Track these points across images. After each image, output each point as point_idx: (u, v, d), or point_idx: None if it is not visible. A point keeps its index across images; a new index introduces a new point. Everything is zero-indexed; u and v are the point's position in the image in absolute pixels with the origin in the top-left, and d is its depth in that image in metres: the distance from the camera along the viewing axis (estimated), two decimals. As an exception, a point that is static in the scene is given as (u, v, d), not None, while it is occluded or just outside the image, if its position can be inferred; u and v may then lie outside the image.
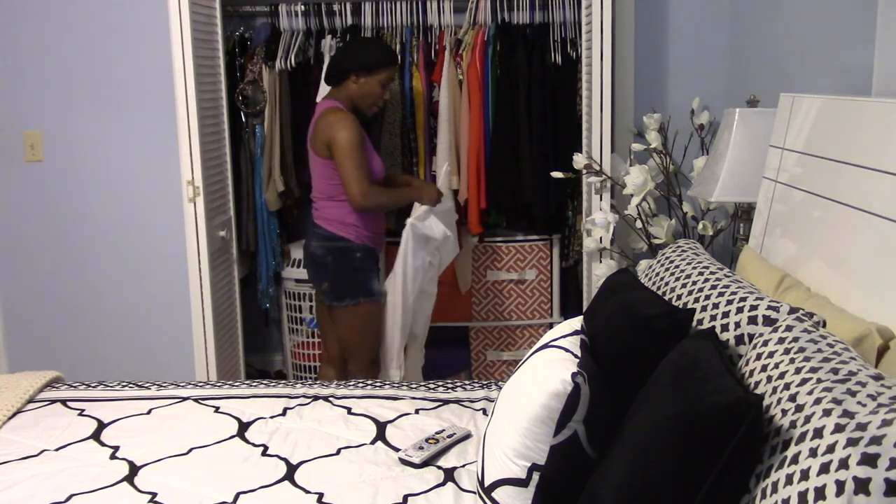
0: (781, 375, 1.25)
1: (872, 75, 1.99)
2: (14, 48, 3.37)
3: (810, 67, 2.45)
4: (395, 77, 3.06)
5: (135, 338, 3.57)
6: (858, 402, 1.08)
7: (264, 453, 1.90)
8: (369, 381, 2.37)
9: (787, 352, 1.30)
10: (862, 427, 1.01)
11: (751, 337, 1.52)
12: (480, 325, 3.67)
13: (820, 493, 0.99)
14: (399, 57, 3.29)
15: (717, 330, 1.58)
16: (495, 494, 1.51)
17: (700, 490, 1.14)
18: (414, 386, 2.32)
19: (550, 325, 3.62)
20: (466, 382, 2.35)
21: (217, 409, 2.15)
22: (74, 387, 2.33)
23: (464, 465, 1.82)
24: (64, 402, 2.22)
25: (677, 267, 1.90)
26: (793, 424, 1.13)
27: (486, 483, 1.54)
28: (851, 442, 1.00)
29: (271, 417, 2.10)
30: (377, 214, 2.99)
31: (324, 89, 3.39)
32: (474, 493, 1.68)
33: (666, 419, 1.21)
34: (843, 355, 1.25)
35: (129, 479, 1.79)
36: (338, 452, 1.90)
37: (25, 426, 2.05)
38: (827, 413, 1.09)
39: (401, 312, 2.99)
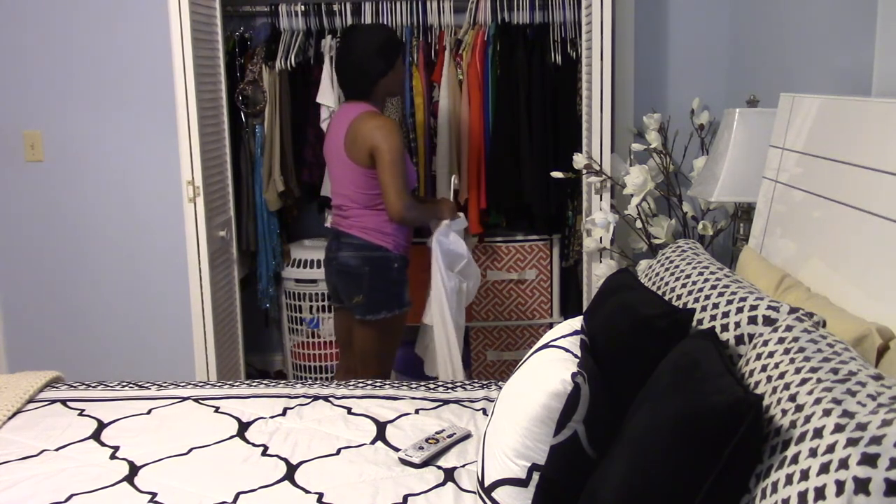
0: (781, 375, 1.25)
1: (872, 75, 1.99)
2: (14, 48, 3.37)
3: (810, 67, 2.45)
4: None
5: (135, 338, 3.57)
6: (858, 402, 1.08)
7: (264, 453, 1.90)
8: (369, 382, 2.37)
9: (787, 352, 1.30)
10: (862, 427, 1.01)
11: (751, 337, 1.52)
12: (480, 325, 3.67)
13: (820, 493, 0.99)
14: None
15: (717, 330, 1.58)
16: (495, 494, 1.51)
17: (700, 490, 1.14)
18: (414, 386, 2.33)
19: (550, 325, 3.62)
20: (466, 382, 2.35)
21: (217, 409, 2.15)
22: (74, 387, 2.33)
23: (464, 465, 1.82)
24: (64, 402, 2.22)
25: (677, 267, 1.90)
26: (793, 424, 1.13)
27: (486, 483, 1.54)
28: (851, 442, 1.00)
29: (271, 417, 2.10)
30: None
31: (324, 89, 3.40)
32: (474, 493, 1.68)
33: (666, 419, 1.21)
34: (843, 355, 1.24)
35: (129, 479, 1.79)
36: (338, 452, 1.90)
37: (25, 426, 2.05)
38: (827, 413, 1.09)
39: (455, 339, 2.86)
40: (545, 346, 1.64)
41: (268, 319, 3.96)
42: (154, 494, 1.72)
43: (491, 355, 3.70)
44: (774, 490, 1.08)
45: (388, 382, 2.37)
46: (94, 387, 2.33)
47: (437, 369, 2.97)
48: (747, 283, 1.71)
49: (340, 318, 3.04)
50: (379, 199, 2.75)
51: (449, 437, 1.92)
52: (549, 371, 1.48)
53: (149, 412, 2.14)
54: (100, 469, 1.83)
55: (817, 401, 1.12)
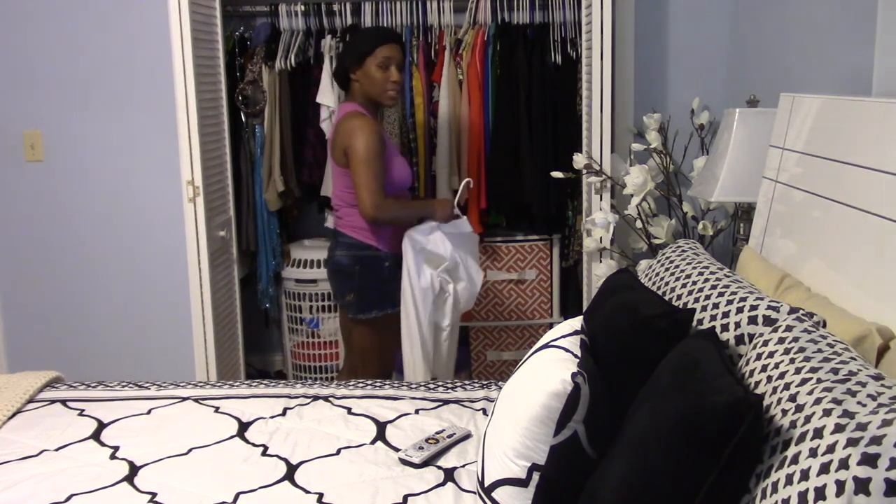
0: (781, 375, 1.25)
1: (872, 75, 1.99)
2: (14, 48, 3.37)
3: (810, 67, 2.45)
4: (396, 54, 2.76)
5: (135, 338, 3.56)
6: (858, 402, 1.08)
7: (264, 453, 1.90)
8: (369, 381, 2.37)
9: (787, 352, 1.30)
10: (862, 427, 1.01)
11: (751, 337, 1.52)
12: (480, 325, 3.67)
13: (820, 493, 0.99)
14: (398, 35, 2.87)
15: (717, 330, 1.58)
16: (495, 494, 1.51)
17: (700, 490, 1.14)
18: (414, 386, 2.33)
19: (550, 325, 3.62)
20: (466, 382, 2.35)
21: (217, 409, 2.15)
22: (74, 387, 2.33)
23: (464, 465, 1.82)
24: (64, 402, 2.22)
25: (677, 267, 1.90)
26: (793, 424, 1.13)
27: (486, 483, 1.54)
28: (851, 442, 1.00)
29: (271, 417, 2.09)
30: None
31: (324, 89, 3.40)
32: (474, 493, 1.68)
33: (666, 419, 1.21)
34: (843, 355, 1.25)
35: (129, 479, 1.79)
36: (338, 452, 1.90)
37: (25, 426, 2.05)
38: (827, 413, 1.09)
39: (417, 338, 2.78)
40: (545, 346, 1.64)
41: (268, 319, 3.96)
42: (154, 494, 1.72)
43: (491, 355, 3.70)
44: (774, 490, 1.08)
45: (388, 382, 2.37)
46: (94, 387, 2.33)
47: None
48: (747, 283, 1.71)
49: (343, 317, 3.04)
50: None
51: (449, 437, 1.92)
52: (549, 371, 1.48)
53: (149, 412, 2.14)
54: (100, 469, 1.83)
55: (817, 401, 1.12)
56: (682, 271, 1.86)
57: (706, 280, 1.75)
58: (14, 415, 2.12)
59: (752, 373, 1.35)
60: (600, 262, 3.02)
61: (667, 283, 1.88)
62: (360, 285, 2.80)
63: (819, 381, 1.17)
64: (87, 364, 3.52)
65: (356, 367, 3.02)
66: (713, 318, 1.61)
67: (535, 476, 1.46)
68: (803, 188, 1.93)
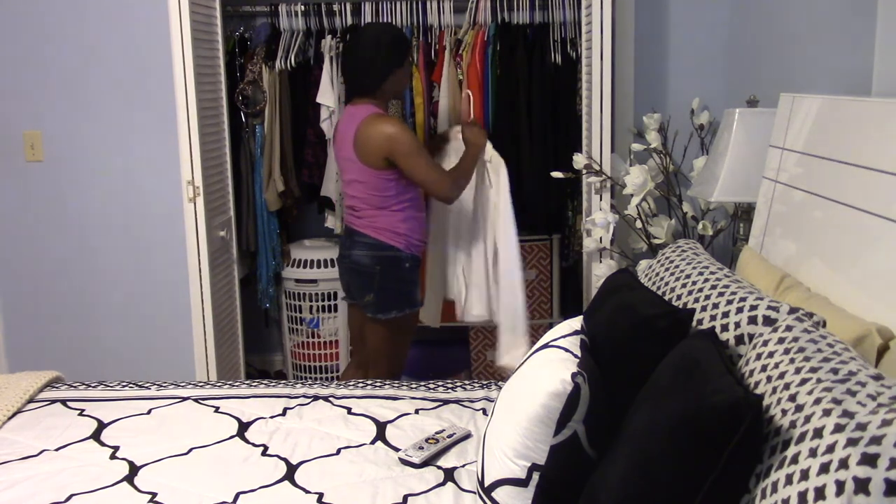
0: (781, 375, 1.25)
1: (872, 75, 1.99)
2: (14, 48, 3.37)
3: (810, 67, 2.45)
4: None
5: (135, 338, 3.56)
6: (858, 402, 1.08)
7: (264, 453, 1.90)
8: (369, 381, 2.37)
9: (787, 352, 1.30)
10: (862, 427, 1.01)
11: (751, 337, 1.52)
12: (480, 324, 3.66)
13: (820, 493, 0.99)
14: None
15: (717, 330, 1.58)
16: (495, 494, 1.51)
17: (700, 490, 1.14)
18: (414, 386, 2.33)
19: (550, 325, 3.61)
20: (466, 382, 2.35)
21: (217, 409, 2.15)
22: (74, 387, 2.33)
23: (464, 465, 1.82)
24: (64, 402, 2.22)
25: (677, 267, 1.90)
26: (793, 424, 1.13)
27: (486, 483, 1.54)
28: (851, 442, 1.00)
29: (271, 417, 2.10)
30: (423, 223, 2.88)
31: (324, 89, 3.40)
32: (474, 493, 1.68)
33: (666, 419, 1.21)
34: (843, 355, 1.24)
35: (129, 479, 1.79)
36: (338, 452, 1.90)
37: (25, 426, 2.05)
38: (827, 413, 1.09)
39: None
40: (545, 346, 1.64)
41: (268, 319, 3.96)
42: (154, 494, 1.72)
43: (491, 355, 3.70)
44: (774, 490, 1.08)
45: (388, 382, 2.37)
46: (94, 387, 2.33)
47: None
48: (747, 283, 1.71)
49: (354, 314, 3.05)
50: (392, 200, 2.74)
51: (449, 437, 1.92)
52: (549, 371, 1.48)
53: (149, 412, 2.14)
54: (100, 469, 1.83)
55: (817, 401, 1.12)
56: (682, 271, 1.86)
57: (706, 280, 1.75)
58: (14, 415, 2.12)
59: (751, 373, 1.35)
60: (600, 262, 3.02)
61: (667, 283, 1.88)
62: (381, 286, 2.79)
63: (819, 381, 1.17)
64: (87, 364, 3.52)
65: (365, 364, 3.02)
66: (713, 318, 1.61)
67: (535, 476, 1.46)
68: (803, 188, 1.93)
